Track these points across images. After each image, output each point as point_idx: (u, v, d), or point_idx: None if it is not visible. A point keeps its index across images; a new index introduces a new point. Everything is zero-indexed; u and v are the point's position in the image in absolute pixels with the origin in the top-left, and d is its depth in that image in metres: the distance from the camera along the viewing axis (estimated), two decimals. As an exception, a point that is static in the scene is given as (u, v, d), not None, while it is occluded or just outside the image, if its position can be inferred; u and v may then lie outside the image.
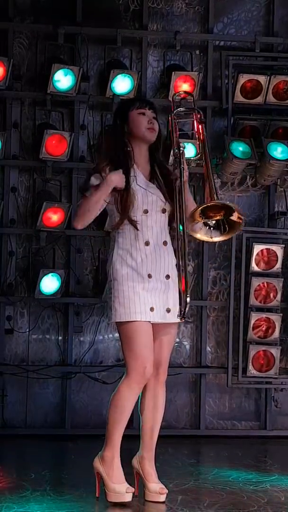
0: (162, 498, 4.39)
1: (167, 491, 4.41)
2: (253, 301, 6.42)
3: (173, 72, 6.45)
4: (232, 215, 4.24)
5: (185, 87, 6.44)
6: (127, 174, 4.36)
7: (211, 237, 4.34)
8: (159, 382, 4.47)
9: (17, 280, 6.45)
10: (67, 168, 6.46)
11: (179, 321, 4.37)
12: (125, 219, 4.34)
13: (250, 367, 6.38)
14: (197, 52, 6.75)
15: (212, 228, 4.31)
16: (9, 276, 6.40)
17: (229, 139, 6.43)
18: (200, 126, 4.43)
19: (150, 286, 4.32)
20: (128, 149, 4.41)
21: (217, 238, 4.36)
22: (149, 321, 4.32)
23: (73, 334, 6.47)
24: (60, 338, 6.52)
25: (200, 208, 4.22)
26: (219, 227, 4.31)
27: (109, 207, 4.41)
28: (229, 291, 6.46)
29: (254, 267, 6.43)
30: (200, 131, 4.43)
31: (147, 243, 4.36)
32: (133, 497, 4.32)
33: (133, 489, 4.33)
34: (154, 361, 4.37)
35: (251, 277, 6.42)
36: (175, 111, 4.47)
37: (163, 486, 4.41)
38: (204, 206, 4.22)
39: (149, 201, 4.37)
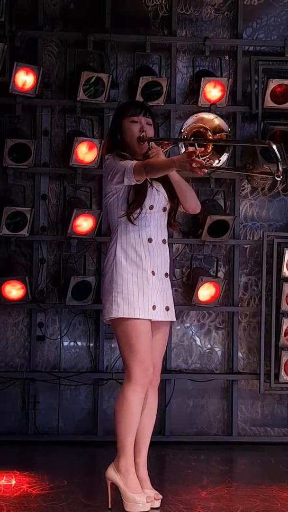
0: (157, 504, 4.36)
1: (161, 496, 4.39)
2: (285, 306, 6.38)
3: (202, 78, 6.44)
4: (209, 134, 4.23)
5: (214, 92, 6.44)
6: None
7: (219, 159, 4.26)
8: (153, 386, 4.41)
9: (48, 287, 6.47)
10: (97, 175, 6.47)
11: (175, 319, 4.44)
12: (139, 207, 4.31)
13: (283, 373, 6.35)
14: (227, 57, 6.74)
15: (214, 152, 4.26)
16: (40, 283, 6.42)
17: (259, 144, 6.41)
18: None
19: (153, 283, 4.32)
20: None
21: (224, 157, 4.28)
22: (150, 320, 4.30)
23: (104, 341, 6.48)
24: (91, 344, 6.53)
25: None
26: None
27: (112, 199, 4.36)
28: (261, 296, 6.43)
29: (286, 272, 6.39)
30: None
31: (149, 240, 4.36)
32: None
33: (153, 499, 4.32)
34: None
35: (282, 283, 6.39)
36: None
37: (157, 492, 4.39)
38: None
39: (155, 198, 4.38)
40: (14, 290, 6.19)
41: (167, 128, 6.61)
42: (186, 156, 4.07)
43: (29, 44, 6.53)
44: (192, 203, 4.49)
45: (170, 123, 6.59)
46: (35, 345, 6.45)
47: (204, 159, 4.20)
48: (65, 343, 6.52)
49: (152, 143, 4.40)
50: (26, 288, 6.18)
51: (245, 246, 6.67)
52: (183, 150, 4.18)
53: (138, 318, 4.26)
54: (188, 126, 4.20)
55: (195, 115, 4.32)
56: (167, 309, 4.38)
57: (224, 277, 6.58)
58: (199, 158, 4.06)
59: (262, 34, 6.79)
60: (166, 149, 4.50)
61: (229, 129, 4.27)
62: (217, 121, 4.26)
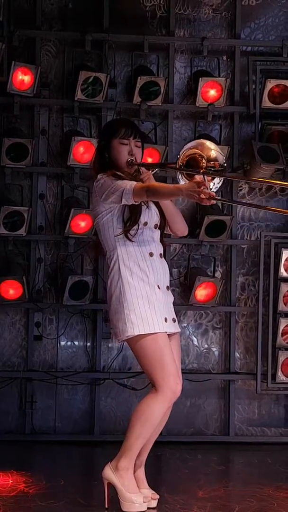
0: (154, 503, 4.39)
1: (158, 496, 4.42)
2: (282, 307, 6.39)
3: (200, 78, 6.45)
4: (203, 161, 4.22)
5: (212, 92, 6.44)
6: None
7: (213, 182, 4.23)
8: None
9: (46, 286, 6.47)
10: (94, 175, 6.47)
11: (180, 330, 4.47)
12: (135, 224, 4.32)
13: (279, 373, 6.35)
14: (224, 57, 6.74)
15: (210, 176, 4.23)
16: (37, 283, 6.42)
17: (257, 144, 6.42)
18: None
19: (159, 296, 4.34)
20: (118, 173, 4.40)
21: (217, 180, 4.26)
22: (166, 332, 4.33)
23: (101, 340, 6.48)
24: (88, 344, 6.53)
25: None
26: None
27: (107, 218, 4.36)
28: (258, 297, 6.44)
29: (283, 272, 6.40)
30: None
31: (151, 254, 4.38)
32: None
33: (150, 499, 4.35)
34: None
35: (280, 283, 6.39)
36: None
37: (154, 492, 4.42)
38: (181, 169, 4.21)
39: (149, 215, 4.41)
40: (12, 290, 6.19)
41: (164, 128, 6.62)
42: (196, 186, 4.03)
43: (27, 43, 6.53)
44: (180, 226, 4.53)
45: (167, 123, 6.60)
46: (32, 345, 6.44)
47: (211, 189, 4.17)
48: (62, 343, 6.52)
49: (142, 168, 4.42)
50: (23, 288, 6.18)
51: (243, 246, 6.67)
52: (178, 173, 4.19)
53: (156, 333, 4.27)
54: (185, 150, 4.18)
55: (196, 140, 4.33)
56: (174, 320, 4.41)
57: (221, 277, 6.58)
58: (207, 189, 4.04)
59: (260, 34, 6.79)
60: (154, 171, 4.50)
61: (225, 163, 4.25)
62: (215, 153, 4.23)
